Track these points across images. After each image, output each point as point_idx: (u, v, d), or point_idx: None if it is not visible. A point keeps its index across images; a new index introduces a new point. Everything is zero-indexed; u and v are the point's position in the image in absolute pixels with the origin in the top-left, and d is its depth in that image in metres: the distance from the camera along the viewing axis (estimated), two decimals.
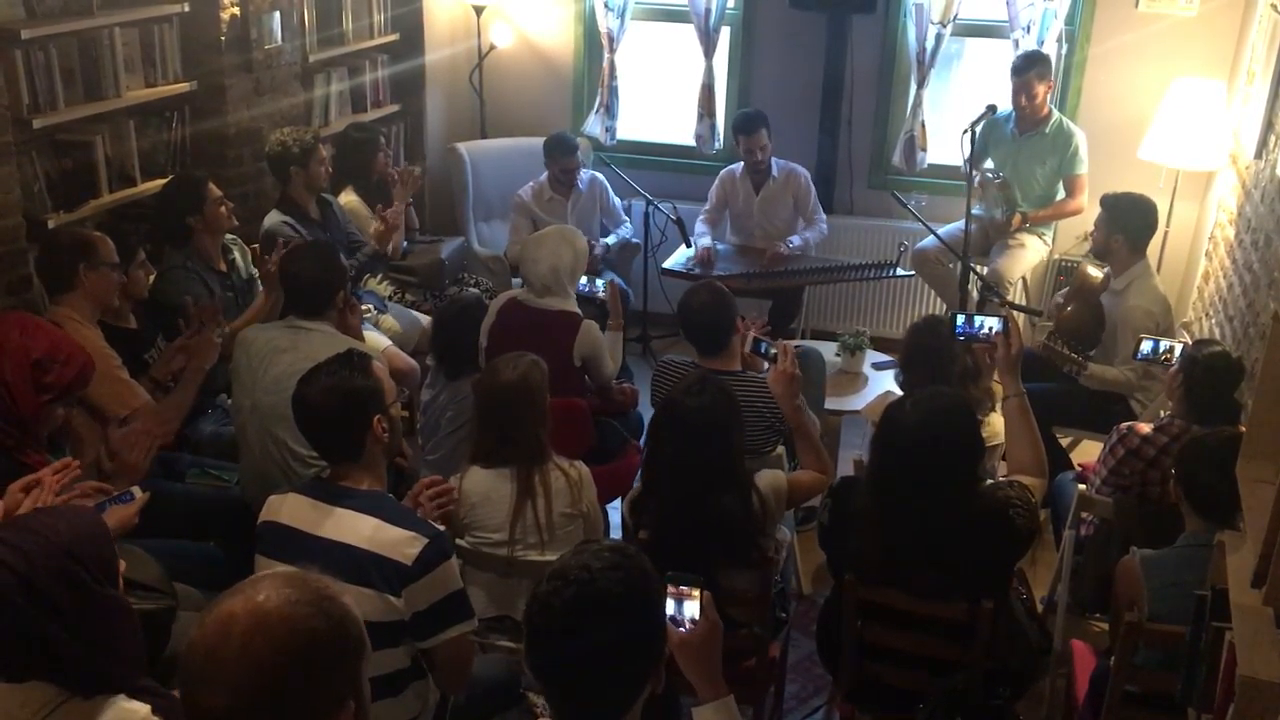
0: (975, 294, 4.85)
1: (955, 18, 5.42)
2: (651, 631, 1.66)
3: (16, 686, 1.78)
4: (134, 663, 1.88)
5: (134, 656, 1.88)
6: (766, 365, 3.44)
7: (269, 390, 3.28)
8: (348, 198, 4.91)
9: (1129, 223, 4.23)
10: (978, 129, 4.55)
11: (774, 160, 5.39)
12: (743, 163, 5.43)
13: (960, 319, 3.18)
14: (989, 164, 5.27)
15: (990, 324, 3.09)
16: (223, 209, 4.04)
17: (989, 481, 2.81)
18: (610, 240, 5.55)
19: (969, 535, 2.61)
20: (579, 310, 3.95)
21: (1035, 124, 5.15)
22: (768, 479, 2.96)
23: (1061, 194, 5.22)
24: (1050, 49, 5.37)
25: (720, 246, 5.44)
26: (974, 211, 4.73)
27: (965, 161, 4.62)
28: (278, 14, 4.74)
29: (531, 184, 5.43)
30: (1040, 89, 5.06)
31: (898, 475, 2.63)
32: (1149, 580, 2.65)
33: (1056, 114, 5.18)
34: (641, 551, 1.69)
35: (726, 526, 2.79)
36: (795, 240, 5.33)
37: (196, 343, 3.52)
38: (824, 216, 5.48)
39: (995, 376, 3.21)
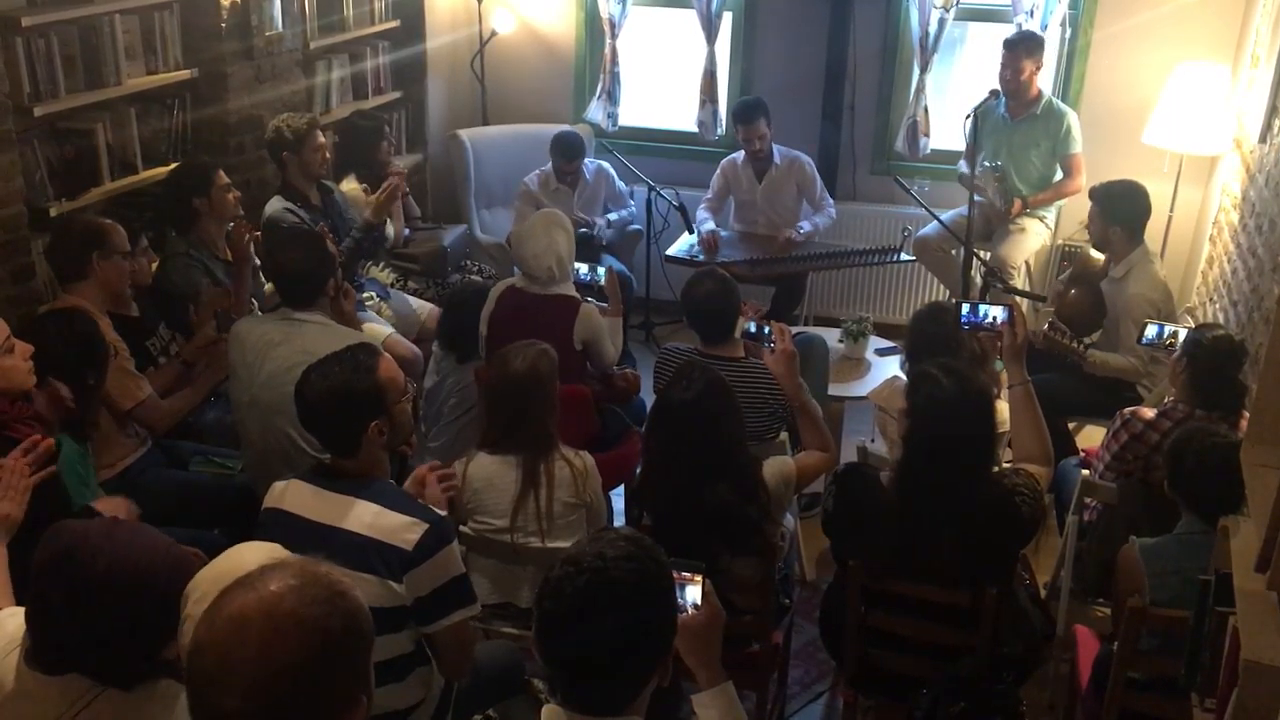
0: (978, 280, 4.84)
1: (958, 2, 5.38)
2: (661, 623, 1.65)
3: (54, 679, 1.77)
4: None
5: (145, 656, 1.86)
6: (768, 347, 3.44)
7: (266, 385, 3.27)
8: (349, 185, 4.89)
9: (1122, 211, 4.18)
10: (980, 114, 4.53)
11: (776, 147, 5.37)
12: (744, 150, 5.41)
13: (965, 308, 3.17)
14: (983, 154, 5.24)
15: (995, 313, 3.09)
16: (230, 196, 4.05)
17: (995, 469, 2.81)
18: (611, 216, 5.54)
19: (976, 522, 2.61)
20: (578, 294, 3.95)
21: (1025, 106, 5.12)
22: (776, 466, 2.96)
23: (1060, 175, 5.20)
24: (1054, 33, 5.34)
25: (723, 233, 5.43)
26: (976, 198, 4.71)
27: (966, 147, 4.60)
28: (278, 1, 4.72)
29: (538, 173, 5.42)
30: (1028, 66, 5.01)
31: (936, 444, 2.64)
32: (1149, 568, 2.66)
33: (1046, 95, 5.14)
34: (657, 544, 1.68)
35: (724, 515, 2.79)
36: (805, 226, 5.31)
37: (215, 353, 3.57)
38: (832, 202, 5.47)
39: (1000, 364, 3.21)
